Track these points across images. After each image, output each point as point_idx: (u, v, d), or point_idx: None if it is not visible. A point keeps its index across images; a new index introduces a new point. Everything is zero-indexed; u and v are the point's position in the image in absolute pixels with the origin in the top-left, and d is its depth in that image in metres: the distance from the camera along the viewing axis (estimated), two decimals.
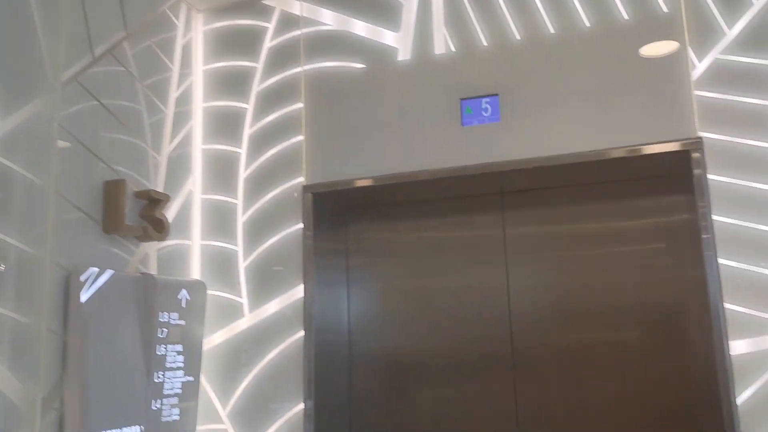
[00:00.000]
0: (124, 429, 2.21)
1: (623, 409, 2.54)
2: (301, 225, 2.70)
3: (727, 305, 2.16)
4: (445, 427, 2.74)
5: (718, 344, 2.14)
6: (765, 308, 2.12)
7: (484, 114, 2.57)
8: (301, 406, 2.55)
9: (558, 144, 2.43)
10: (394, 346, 2.87)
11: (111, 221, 2.34)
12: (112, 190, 2.37)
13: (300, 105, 2.79)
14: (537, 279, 2.74)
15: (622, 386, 2.55)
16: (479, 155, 2.53)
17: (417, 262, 2.91)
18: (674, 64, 2.34)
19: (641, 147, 2.34)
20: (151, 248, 2.57)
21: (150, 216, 2.50)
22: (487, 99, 2.57)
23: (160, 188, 2.64)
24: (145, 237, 2.48)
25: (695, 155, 2.28)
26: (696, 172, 2.27)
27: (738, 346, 2.13)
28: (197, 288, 2.58)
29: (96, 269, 2.18)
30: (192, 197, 2.84)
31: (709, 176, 2.25)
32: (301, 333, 2.61)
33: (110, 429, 2.16)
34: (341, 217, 2.99)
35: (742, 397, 2.09)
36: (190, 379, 2.51)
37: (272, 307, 2.67)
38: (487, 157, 2.52)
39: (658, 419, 2.49)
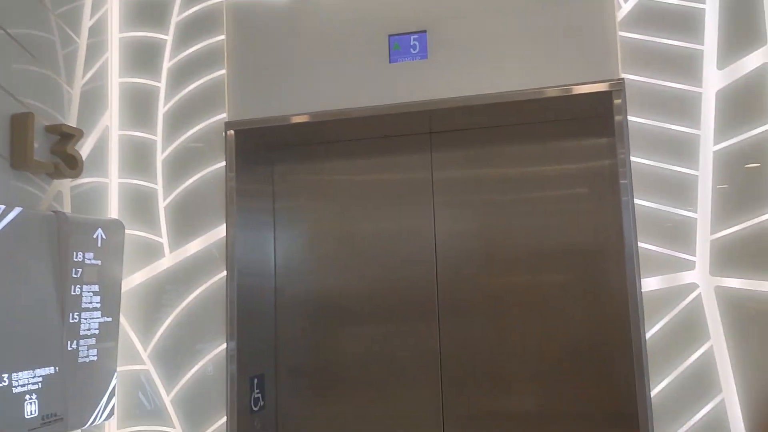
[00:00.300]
0: (38, 370, 2.14)
1: (543, 349, 2.61)
2: (223, 163, 2.62)
3: (641, 244, 2.22)
4: (370, 368, 2.78)
5: (631, 282, 2.21)
6: (676, 246, 2.19)
7: (413, 51, 2.52)
8: (224, 346, 2.53)
9: (485, 83, 2.41)
10: (322, 289, 2.86)
11: (19, 157, 2.23)
12: (20, 124, 2.24)
13: (222, 37, 2.68)
14: (463, 222, 2.75)
15: (543, 327, 2.61)
16: (407, 93, 2.49)
17: (345, 204, 2.88)
18: (602, 4, 2.33)
19: (567, 87, 2.34)
20: (65, 186, 2.46)
21: (62, 152, 2.39)
22: (416, 36, 2.52)
23: (73, 123, 2.51)
24: (57, 174, 2.37)
25: (617, 101, 2.29)
26: (617, 118, 2.29)
27: (649, 283, 2.20)
28: (114, 227, 2.50)
29: (2, 207, 2.07)
30: (108, 133, 2.71)
31: (630, 118, 2.27)
32: (224, 273, 2.57)
33: (22, 370, 2.09)
34: (267, 156, 2.93)
35: (650, 332, 2.17)
36: (108, 319, 2.44)
37: (194, 247, 2.61)
38: (414, 96, 2.48)
39: (576, 358, 2.57)
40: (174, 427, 2.54)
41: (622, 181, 2.27)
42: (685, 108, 2.23)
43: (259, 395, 2.65)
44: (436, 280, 2.74)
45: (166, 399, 2.57)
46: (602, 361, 2.53)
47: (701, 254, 2.16)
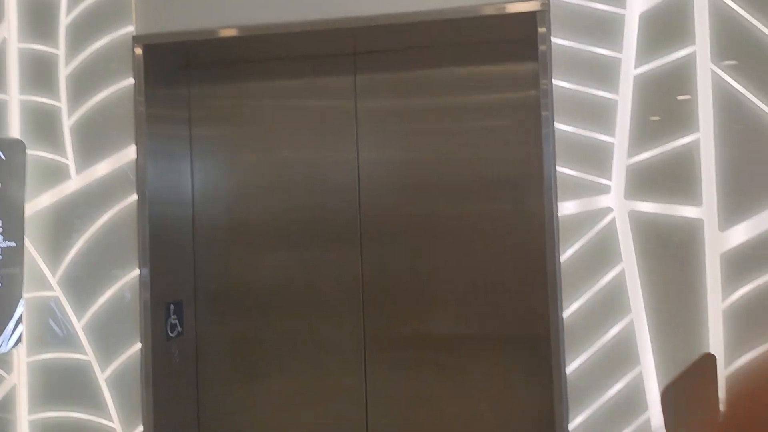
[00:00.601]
0: None
1: (464, 275, 2.62)
2: (131, 80, 2.46)
3: (559, 168, 2.21)
4: (292, 293, 2.75)
5: (548, 206, 2.21)
6: (593, 171, 2.19)
7: None
8: (137, 272, 2.45)
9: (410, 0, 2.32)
10: (242, 217, 2.78)
11: None
12: None
13: None
14: (386, 151, 2.70)
15: (464, 254, 2.62)
16: (328, 9, 2.37)
17: (266, 133, 2.78)
18: None
19: (498, 5, 2.27)
20: None
21: None
22: None
23: None
24: None
25: (541, 30, 2.24)
26: (541, 48, 2.24)
27: (566, 207, 2.20)
28: (14, 147, 2.35)
29: None
30: (6, 45, 2.51)
31: (554, 40, 2.22)
32: (135, 197, 2.45)
33: None
34: (181, 77, 2.77)
35: (565, 255, 2.20)
36: (12, 244, 2.32)
37: (102, 169, 2.48)
38: (336, 12, 2.37)
39: (495, 283, 2.59)
40: (86, 354, 2.47)
41: (543, 113, 2.24)
42: (607, 30, 2.19)
43: (177, 321, 2.60)
44: (359, 208, 2.70)
45: (78, 326, 2.48)
46: (520, 285, 2.56)
47: (617, 178, 2.17)
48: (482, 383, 2.60)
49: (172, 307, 2.57)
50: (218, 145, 2.81)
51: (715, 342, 2.09)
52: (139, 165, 2.46)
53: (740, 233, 2.09)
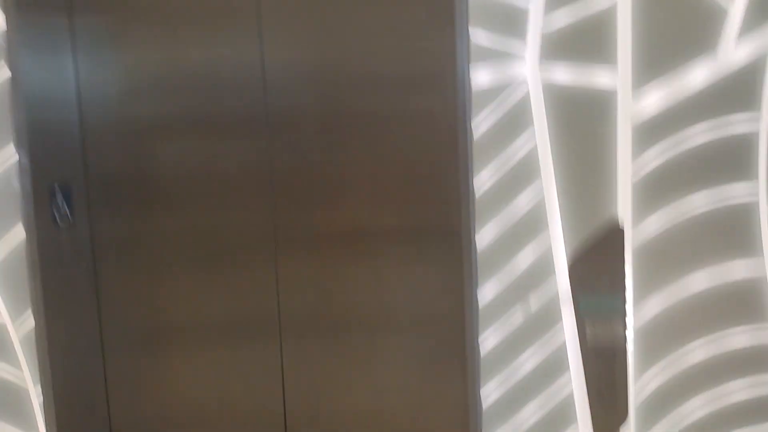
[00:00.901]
0: None
1: (377, 167, 2.53)
2: None
3: (472, 36, 2.10)
4: (196, 182, 2.58)
5: (461, 74, 2.12)
6: (507, 38, 2.10)
7: None
8: (15, 156, 2.23)
9: None
10: (139, 115, 2.54)
11: None
12: None
13: None
14: (293, 47, 2.52)
15: (375, 145, 2.52)
16: None
17: (160, 27, 2.54)
18: None
19: None
20: None
21: None
22: None
23: None
24: None
25: None
26: None
27: (479, 77, 2.11)
28: None
29: None
30: None
31: None
32: (8, 74, 2.21)
33: None
34: None
35: (478, 130, 2.12)
36: None
37: None
38: None
39: (408, 173, 2.51)
40: None
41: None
42: None
43: (66, 210, 2.41)
44: (265, 107, 2.52)
45: None
46: (434, 174, 2.49)
47: (532, 45, 2.09)
48: (395, 269, 2.55)
49: (59, 194, 2.38)
50: (104, 38, 2.54)
51: (624, 210, 2.09)
52: (12, 50, 2.21)
53: (652, 102, 2.06)
